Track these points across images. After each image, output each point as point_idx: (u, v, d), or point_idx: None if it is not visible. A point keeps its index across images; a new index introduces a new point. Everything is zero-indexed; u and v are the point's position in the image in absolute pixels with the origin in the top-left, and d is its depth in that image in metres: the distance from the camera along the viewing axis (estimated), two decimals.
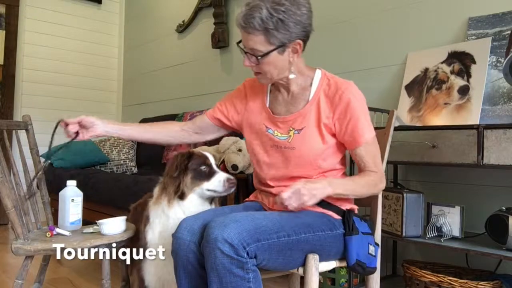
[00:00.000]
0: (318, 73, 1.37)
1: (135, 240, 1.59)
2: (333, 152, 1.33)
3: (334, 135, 1.32)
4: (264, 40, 1.23)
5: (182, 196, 1.41)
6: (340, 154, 1.35)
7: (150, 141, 1.56)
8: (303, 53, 1.33)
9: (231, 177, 1.42)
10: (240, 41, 1.31)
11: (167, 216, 1.42)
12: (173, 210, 1.41)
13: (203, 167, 1.42)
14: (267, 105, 1.42)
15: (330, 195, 1.23)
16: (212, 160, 1.45)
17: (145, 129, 1.54)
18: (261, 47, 1.24)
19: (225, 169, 2.33)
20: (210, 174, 1.42)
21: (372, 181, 1.30)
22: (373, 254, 1.29)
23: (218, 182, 1.41)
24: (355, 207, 1.40)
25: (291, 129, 1.34)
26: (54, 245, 1.43)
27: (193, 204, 1.42)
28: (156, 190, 1.49)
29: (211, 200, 1.48)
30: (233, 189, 1.43)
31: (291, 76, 1.33)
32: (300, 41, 1.27)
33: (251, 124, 1.44)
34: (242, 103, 1.47)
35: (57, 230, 1.58)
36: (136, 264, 1.55)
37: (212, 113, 1.52)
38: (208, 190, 1.42)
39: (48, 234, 1.51)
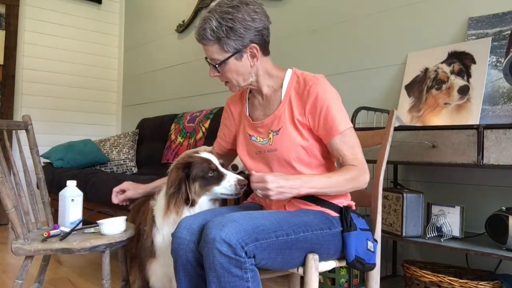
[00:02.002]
0: (289, 73, 1.39)
1: (135, 240, 1.59)
2: (316, 147, 1.34)
3: (311, 131, 1.33)
4: (219, 49, 1.30)
5: (192, 203, 1.38)
6: (323, 148, 1.35)
7: None
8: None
9: (241, 177, 1.38)
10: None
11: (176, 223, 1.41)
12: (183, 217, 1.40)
13: (209, 173, 1.38)
14: (247, 113, 1.46)
15: (305, 194, 1.24)
16: (216, 161, 1.41)
17: None
18: (218, 56, 1.31)
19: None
20: (219, 178, 1.38)
21: (352, 177, 1.26)
22: (372, 250, 1.30)
23: (229, 185, 1.37)
24: (352, 204, 1.40)
25: (270, 131, 1.36)
26: (54, 245, 1.43)
27: (203, 208, 1.40)
28: (161, 200, 1.45)
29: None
30: (243, 189, 1.39)
31: (252, 79, 1.37)
32: (255, 45, 1.31)
33: (238, 136, 1.48)
34: (230, 121, 1.54)
35: (62, 228, 1.58)
36: (139, 265, 1.54)
37: (219, 145, 1.61)
38: (219, 193, 1.40)
39: (45, 234, 1.51)
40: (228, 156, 1.64)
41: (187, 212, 1.38)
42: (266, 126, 1.38)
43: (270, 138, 1.36)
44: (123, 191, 1.68)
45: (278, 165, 1.35)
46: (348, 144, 1.29)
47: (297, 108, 1.33)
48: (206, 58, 1.37)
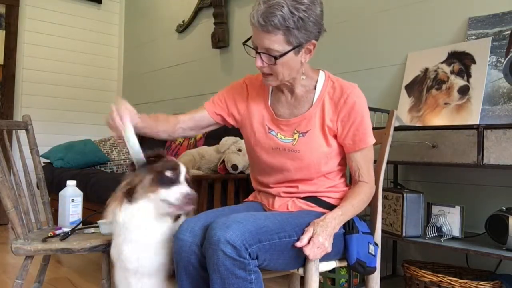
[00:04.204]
0: (322, 75, 1.36)
1: None
2: (336, 155, 1.33)
3: (336, 138, 1.32)
4: (283, 40, 1.19)
5: (132, 200, 1.20)
6: (340, 156, 1.35)
7: (152, 135, 1.42)
8: None
9: (193, 193, 1.21)
10: (247, 40, 1.27)
11: (116, 222, 1.22)
12: (121, 214, 1.20)
13: (168, 172, 1.21)
14: (269, 107, 1.39)
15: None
16: (182, 171, 1.24)
17: (155, 123, 1.41)
18: (278, 47, 1.19)
19: (225, 169, 2.33)
20: (172, 182, 1.21)
21: (367, 198, 1.33)
22: (373, 253, 1.29)
23: (178, 193, 1.19)
24: None
25: (296, 132, 1.32)
26: (54, 245, 1.43)
27: (142, 211, 1.20)
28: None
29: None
30: (188, 208, 1.22)
31: (302, 77, 1.31)
32: (315, 42, 1.25)
33: (252, 124, 1.40)
34: (243, 103, 1.43)
35: (64, 229, 1.58)
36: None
37: (213, 109, 1.45)
38: (162, 200, 1.19)
39: (50, 234, 1.51)
40: (213, 125, 1.48)
41: (124, 207, 1.20)
42: (292, 126, 1.34)
43: (295, 139, 1.32)
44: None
45: (295, 167, 1.32)
46: (367, 158, 1.32)
47: (329, 113, 1.30)
48: (245, 43, 1.26)
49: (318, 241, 1.15)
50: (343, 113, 1.29)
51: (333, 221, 1.20)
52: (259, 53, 1.23)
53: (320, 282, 2.05)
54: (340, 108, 1.29)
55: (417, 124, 2.04)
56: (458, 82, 1.96)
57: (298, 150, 1.31)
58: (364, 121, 1.29)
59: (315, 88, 1.34)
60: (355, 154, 1.31)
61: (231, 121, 1.45)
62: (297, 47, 1.21)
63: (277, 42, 1.19)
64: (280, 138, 1.34)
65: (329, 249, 1.17)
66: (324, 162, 1.31)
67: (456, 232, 1.74)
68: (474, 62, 1.93)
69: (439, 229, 1.76)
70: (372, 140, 1.31)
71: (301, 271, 1.23)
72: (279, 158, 1.34)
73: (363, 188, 1.31)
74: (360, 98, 1.30)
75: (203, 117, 1.46)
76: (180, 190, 1.20)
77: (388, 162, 1.53)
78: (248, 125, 1.41)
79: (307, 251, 1.14)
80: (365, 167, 1.31)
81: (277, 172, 1.35)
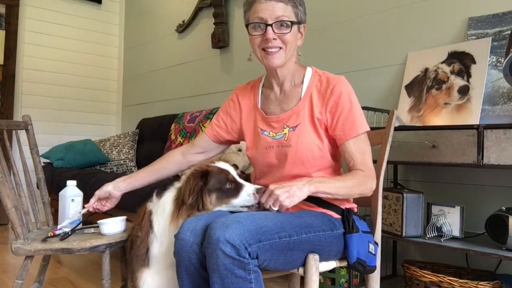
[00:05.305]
0: (309, 70, 1.39)
1: (129, 246, 1.46)
2: (330, 149, 1.33)
3: (327, 131, 1.32)
4: (292, 11, 1.30)
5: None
6: (334, 151, 1.35)
7: (160, 179, 1.55)
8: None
9: (258, 186, 1.28)
10: (248, 24, 1.34)
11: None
12: None
13: (227, 185, 1.27)
14: (259, 107, 1.43)
15: (311, 194, 1.21)
16: (234, 173, 1.31)
17: (152, 172, 1.54)
18: (291, 16, 1.30)
19: None
20: (237, 189, 1.28)
21: (359, 182, 1.26)
22: (373, 252, 1.29)
23: (248, 196, 1.26)
24: (355, 206, 1.40)
25: (286, 126, 1.35)
26: (54, 245, 1.43)
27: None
28: (167, 205, 1.32)
29: None
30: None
31: (293, 57, 1.36)
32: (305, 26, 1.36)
33: (248, 128, 1.45)
34: (236, 111, 1.49)
35: (64, 229, 1.58)
36: (130, 273, 1.39)
37: (212, 132, 1.52)
38: (239, 206, 1.28)
39: (50, 234, 1.51)
40: (219, 146, 1.57)
41: None
42: (282, 121, 1.36)
43: (286, 134, 1.34)
44: (102, 199, 1.54)
45: (290, 162, 1.32)
46: (361, 149, 1.30)
47: (317, 106, 1.32)
48: (247, 25, 1.35)
49: (272, 192, 1.16)
50: (330, 103, 1.30)
51: (301, 183, 1.19)
52: (269, 25, 1.28)
53: (320, 282, 2.05)
54: (327, 99, 1.31)
55: (417, 124, 2.03)
56: (458, 82, 1.96)
57: (290, 145, 1.32)
58: (352, 110, 1.29)
59: (302, 83, 1.37)
60: (346, 144, 1.29)
61: (232, 137, 1.52)
62: (299, 23, 1.33)
63: (288, 12, 1.30)
64: (272, 136, 1.36)
65: (285, 203, 1.15)
66: (318, 155, 1.31)
67: (456, 232, 1.74)
68: (474, 62, 1.93)
69: (439, 229, 1.76)
70: (363, 128, 1.29)
71: (301, 271, 1.23)
72: (273, 156, 1.36)
73: (358, 174, 1.27)
74: (347, 87, 1.31)
75: (205, 141, 1.55)
76: (248, 192, 1.26)
77: (388, 162, 1.53)
78: (245, 132, 1.46)
79: (262, 199, 1.19)
80: (360, 157, 1.28)
81: (274, 171, 1.36)
